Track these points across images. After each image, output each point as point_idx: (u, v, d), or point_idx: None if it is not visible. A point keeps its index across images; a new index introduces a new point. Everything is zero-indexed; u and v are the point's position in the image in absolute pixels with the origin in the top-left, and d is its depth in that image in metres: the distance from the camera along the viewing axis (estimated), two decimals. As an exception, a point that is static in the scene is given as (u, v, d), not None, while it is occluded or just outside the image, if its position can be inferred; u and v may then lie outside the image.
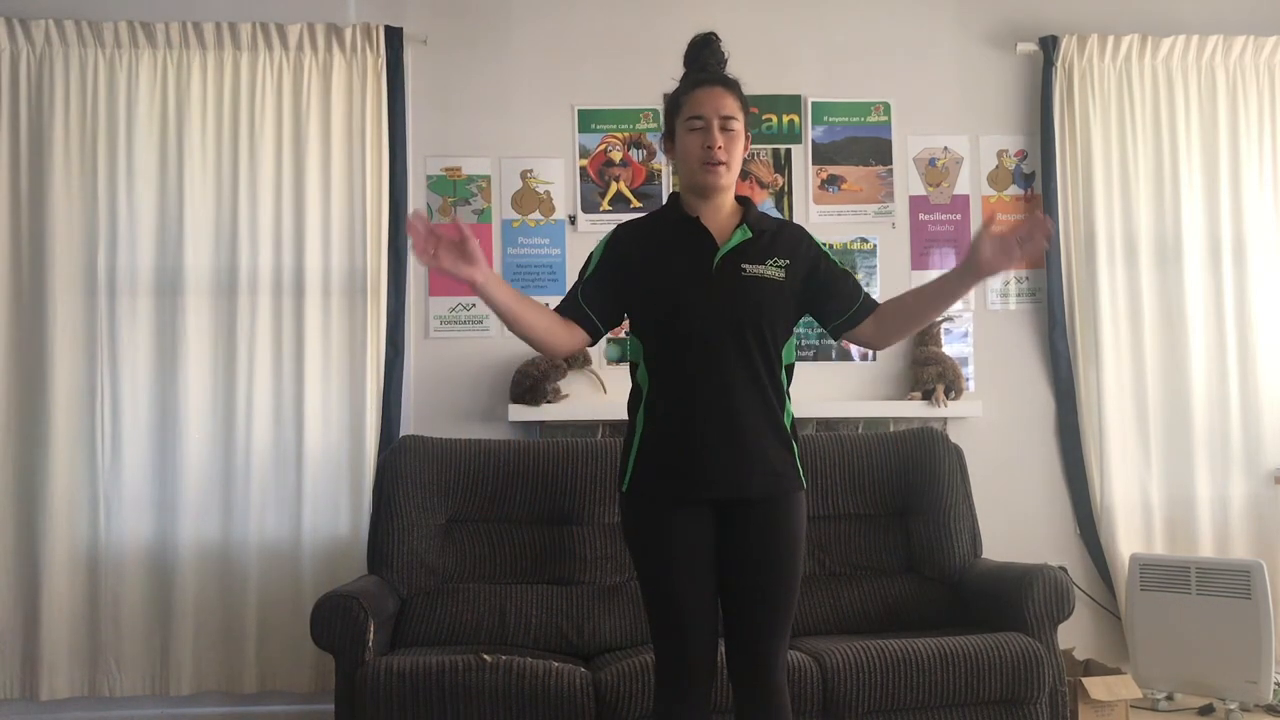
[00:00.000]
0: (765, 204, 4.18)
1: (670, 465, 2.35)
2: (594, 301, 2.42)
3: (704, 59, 2.49)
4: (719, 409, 2.33)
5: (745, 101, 2.44)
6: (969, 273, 2.33)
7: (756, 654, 2.35)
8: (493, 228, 4.12)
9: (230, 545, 3.86)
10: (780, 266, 2.40)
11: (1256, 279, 4.21)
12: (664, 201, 2.54)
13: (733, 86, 2.43)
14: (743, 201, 2.48)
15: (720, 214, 2.43)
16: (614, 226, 2.51)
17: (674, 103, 2.45)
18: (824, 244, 2.55)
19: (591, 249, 2.50)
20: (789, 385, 2.47)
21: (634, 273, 2.40)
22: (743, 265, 2.37)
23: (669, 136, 2.47)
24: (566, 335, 2.41)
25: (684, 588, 2.34)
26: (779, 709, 2.34)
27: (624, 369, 2.28)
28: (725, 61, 2.49)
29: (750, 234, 2.41)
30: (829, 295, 2.47)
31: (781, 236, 2.46)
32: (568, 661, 3.09)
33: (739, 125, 2.40)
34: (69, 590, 3.80)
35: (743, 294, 2.35)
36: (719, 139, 2.36)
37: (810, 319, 2.59)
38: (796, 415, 2.51)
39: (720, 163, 2.36)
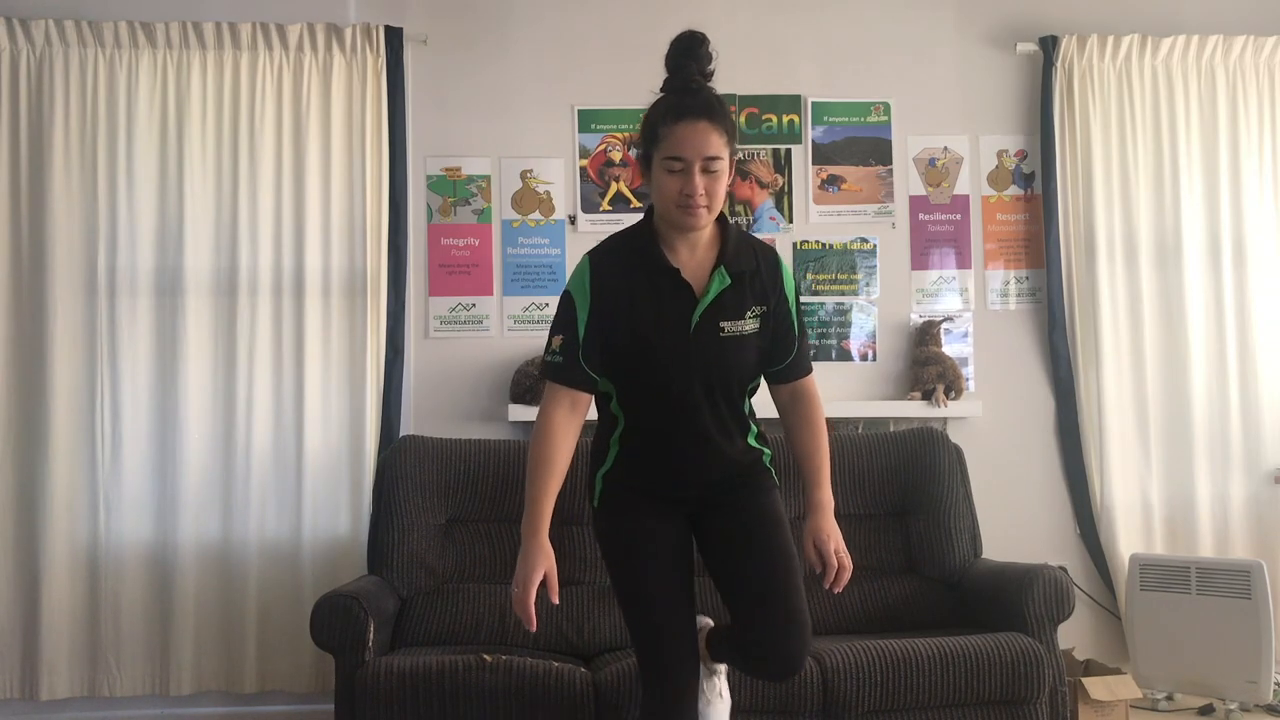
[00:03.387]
0: (765, 204, 4.18)
1: (642, 485, 2.38)
2: (593, 361, 2.27)
3: (688, 71, 2.24)
4: (691, 447, 2.34)
5: (733, 130, 2.24)
6: (806, 515, 2.40)
7: (768, 645, 2.31)
8: (493, 228, 4.12)
9: (230, 545, 3.86)
10: (756, 315, 2.31)
11: (1256, 279, 4.21)
12: (642, 223, 2.32)
13: (718, 117, 2.20)
14: (721, 222, 2.32)
15: (699, 248, 2.29)
16: (592, 257, 2.29)
17: (651, 131, 2.23)
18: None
19: (571, 283, 2.29)
20: (751, 401, 2.45)
21: (616, 318, 2.26)
22: (721, 324, 2.27)
23: (644, 161, 2.27)
24: (579, 423, 2.30)
25: (660, 590, 2.35)
26: (782, 682, 2.39)
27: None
28: (711, 71, 2.27)
29: (729, 280, 2.26)
30: (770, 344, 2.37)
31: (759, 276, 2.31)
32: (568, 661, 3.09)
33: (723, 164, 2.20)
34: (69, 590, 3.80)
35: (720, 355, 2.29)
36: (700, 184, 2.17)
37: (805, 319, 2.56)
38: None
39: (700, 207, 2.19)
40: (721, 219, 2.33)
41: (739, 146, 4.15)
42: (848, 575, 2.33)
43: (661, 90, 2.28)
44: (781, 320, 2.35)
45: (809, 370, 2.45)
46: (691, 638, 2.39)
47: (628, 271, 2.27)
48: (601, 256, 2.29)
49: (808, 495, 2.41)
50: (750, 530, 2.37)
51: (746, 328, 2.30)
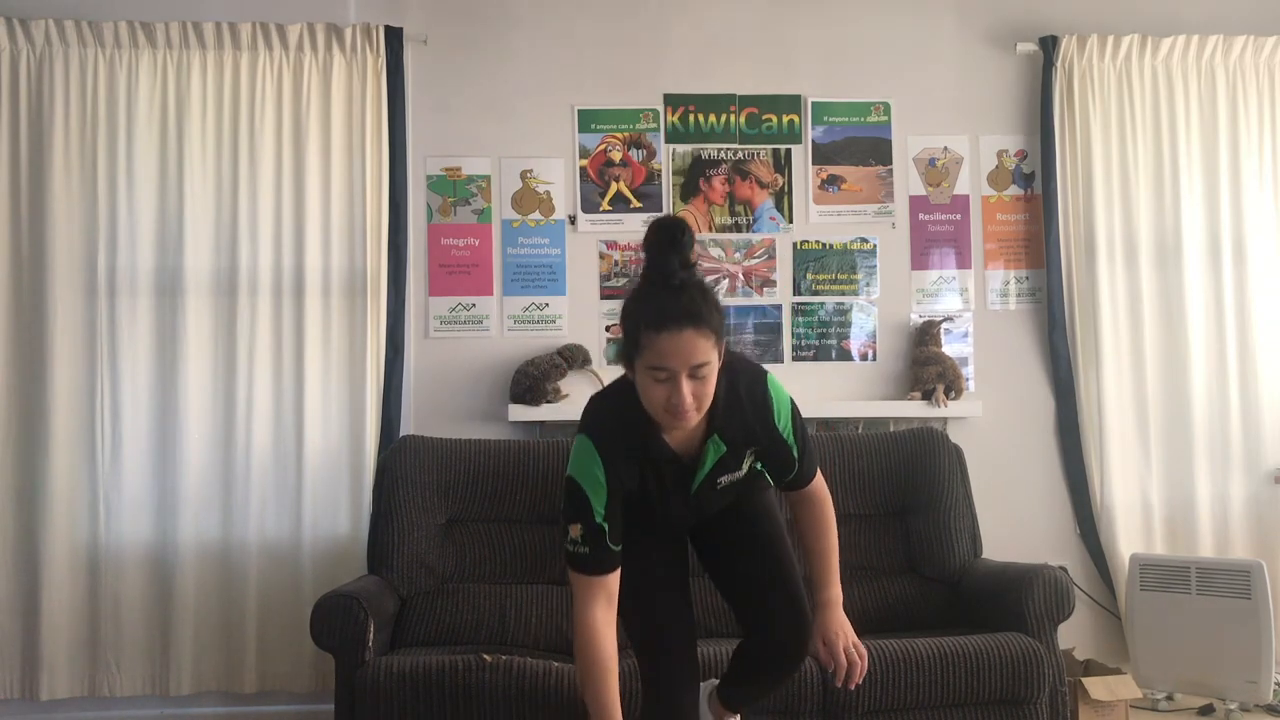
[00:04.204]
0: (765, 204, 4.18)
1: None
2: (618, 537, 2.21)
3: (669, 266, 2.07)
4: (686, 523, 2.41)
5: (719, 325, 2.09)
6: (818, 607, 2.39)
7: (779, 632, 2.34)
8: (493, 228, 4.12)
9: (230, 545, 3.86)
10: (752, 455, 2.31)
11: (1256, 279, 4.20)
12: (633, 404, 2.19)
13: (704, 320, 2.04)
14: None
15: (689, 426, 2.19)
16: (597, 443, 2.18)
17: (634, 335, 2.08)
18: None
19: (577, 470, 2.18)
20: None
21: (625, 499, 2.23)
22: (718, 480, 2.29)
23: (626, 360, 2.14)
24: (614, 612, 2.22)
25: (660, 593, 2.38)
26: (788, 674, 2.40)
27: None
28: (694, 262, 2.12)
29: (723, 446, 2.23)
30: (770, 465, 2.37)
31: (753, 428, 2.25)
32: (568, 662, 3.08)
33: (711, 367, 2.07)
34: (69, 590, 3.80)
35: (718, 500, 2.35)
36: (688, 392, 2.05)
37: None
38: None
39: (689, 412, 2.08)
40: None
41: (738, 147, 4.18)
42: (860, 670, 2.31)
43: (641, 278, 2.15)
44: (778, 450, 2.31)
45: (813, 477, 2.40)
46: (690, 639, 2.40)
47: (632, 457, 2.21)
48: (606, 444, 2.19)
49: (817, 594, 2.39)
50: (746, 529, 2.40)
51: (743, 473, 2.32)
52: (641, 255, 2.17)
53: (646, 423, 2.17)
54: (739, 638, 3.15)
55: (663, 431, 2.19)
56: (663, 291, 2.07)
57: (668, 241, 2.10)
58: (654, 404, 2.09)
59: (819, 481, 2.42)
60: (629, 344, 2.11)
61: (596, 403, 2.30)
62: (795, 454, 2.31)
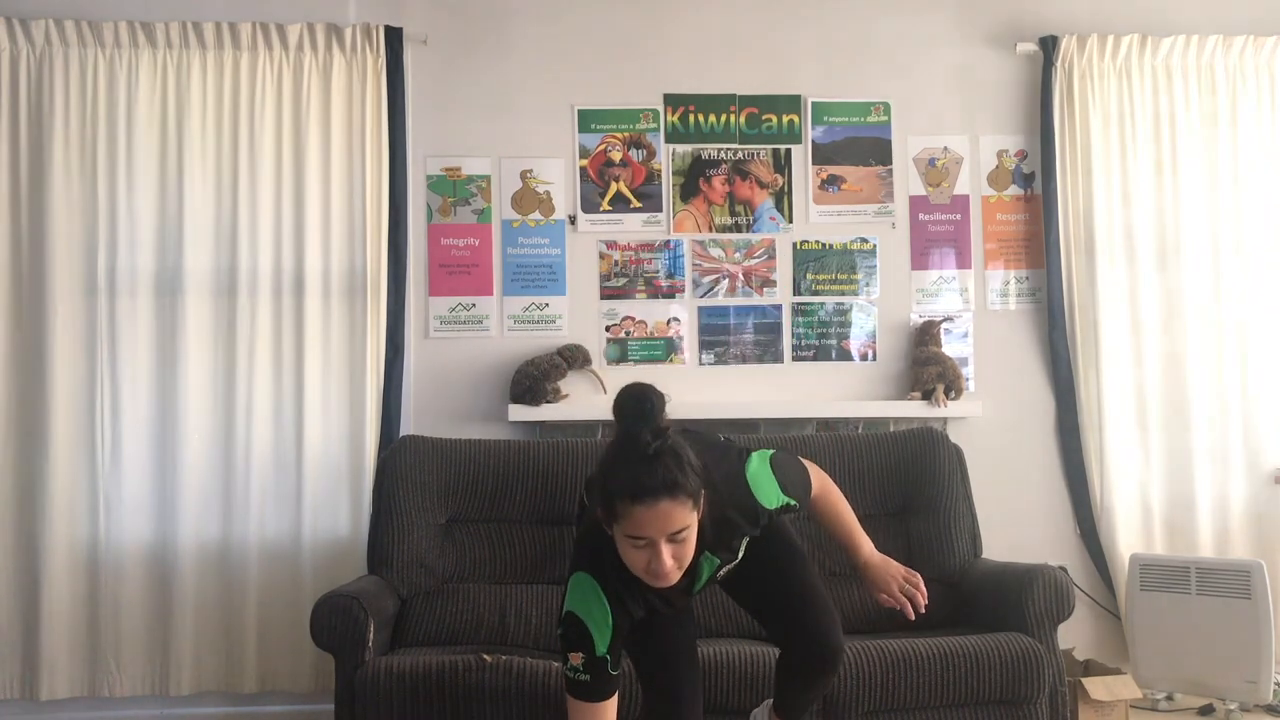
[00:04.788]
0: (765, 204, 4.18)
1: None
2: (620, 663, 2.21)
3: (640, 438, 2.04)
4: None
5: (696, 490, 2.05)
6: (861, 578, 2.47)
7: (816, 642, 2.37)
8: (493, 228, 4.12)
9: (230, 545, 3.86)
10: (745, 542, 2.33)
11: (1256, 279, 4.20)
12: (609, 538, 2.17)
13: (680, 489, 2.01)
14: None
15: None
16: (588, 582, 2.16)
17: (609, 503, 2.04)
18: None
19: (579, 605, 2.15)
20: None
21: (632, 629, 2.23)
22: (719, 574, 2.35)
23: (606, 522, 2.09)
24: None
25: (675, 654, 2.43)
26: (832, 675, 2.42)
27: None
28: (665, 430, 2.06)
29: (718, 560, 2.26)
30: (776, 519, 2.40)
31: (740, 530, 2.25)
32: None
33: (691, 530, 2.05)
34: (69, 590, 3.80)
35: (720, 580, 2.40)
36: (667, 556, 2.03)
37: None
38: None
39: (670, 575, 2.06)
40: None
41: (738, 147, 4.18)
42: (921, 595, 2.40)
43: (612, 445, 2.12)
44: (782, 516, 2.36)
45: (810, 490, 2.42)
46: (689, 639, 2.41)
47: (630, 587, 2.17)
48: (609, 584, 2.16)
49: (852, 560, 2.49)
50: (760, 555, 2.41)
51: (739, 558, 2.35)
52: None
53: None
54: (739, 637, 3.16)
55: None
56: (637, 462, 2.03)
57: (636, 412, 2.09)
58: (634, 567, 2.08)
59: (818, 478, 2.45)
60: (606, 510, 2.07)
61: (588, 543, 2.24)
62: (793, 501, 2.34)
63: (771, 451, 2.36)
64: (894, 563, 2.46)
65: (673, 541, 2.03)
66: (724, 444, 2.38)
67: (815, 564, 3.56)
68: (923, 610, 2.40)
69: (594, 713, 2.15)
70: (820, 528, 2.56)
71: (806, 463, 2.44)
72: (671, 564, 2.04)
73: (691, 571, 2.21)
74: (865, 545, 2.48)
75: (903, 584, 2.41)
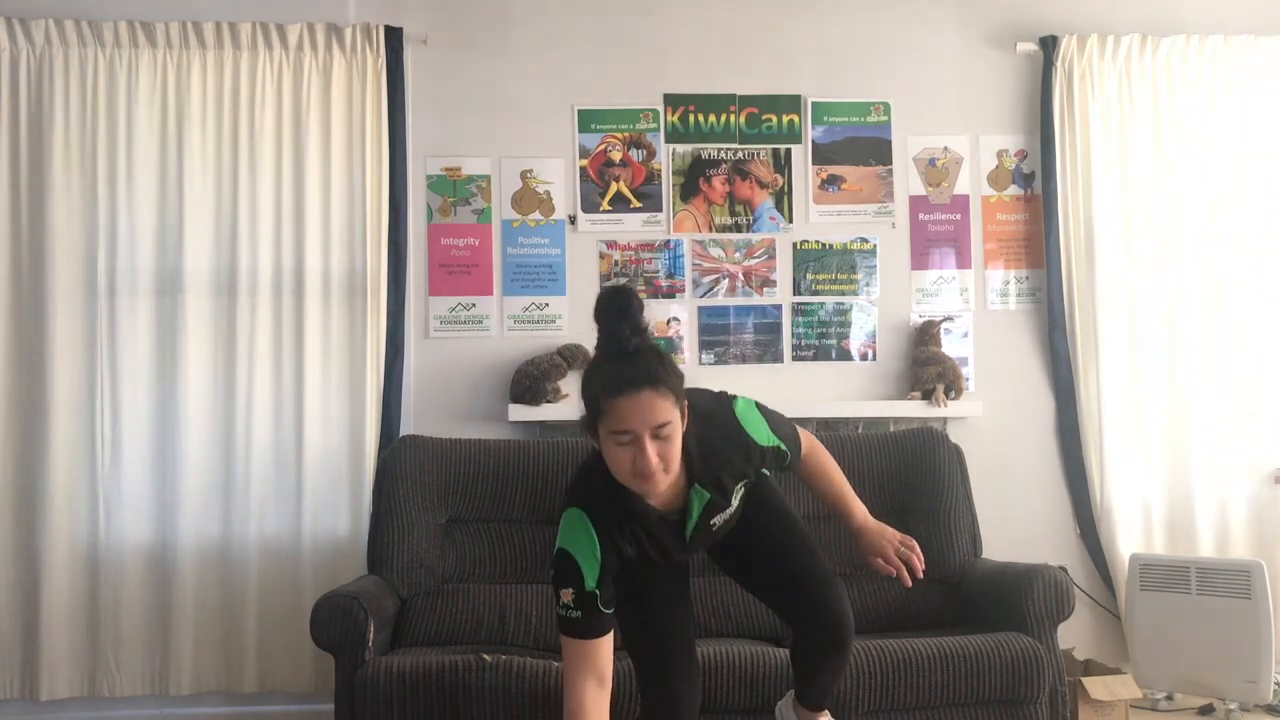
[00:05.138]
0: (765, 204, 4.18)
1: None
2: (611, 601, 2.22)
3: (622, 334, 2.10)
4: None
5: (678, 385, 2.11)
6: (855, 542, 2.46)
7: (820, 614, 2.34)
8: (493, 228, 4.12)
9: (230, 545, 3.86)
10: (741, 489, 2.34)
11: (1257, 279, 4.20)
12: (603, 469, 2.20)
13: (661, 381, 2.06)
14: (683, 447, 2.17)
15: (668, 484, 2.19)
16: (588, 522, 2.18)
17: (594, 403, 2.11)
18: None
19: (569, 541, 2.19)
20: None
21: (621, 568, 2.25)
22: (712, 522, 2.32)
23: (590, 429, 2.15)
24: (609, 692, 2.21)
25: (666, 636, 2.40)
26: (846, 651, 2.37)
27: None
28: (646, 327, 2.14)
29: (707, 494, 2.25)
30: (768, 467, 2.41)
31: (733, 466, 2.26)
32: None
33: (674, 426, 2.08)
34: (69, 590, 3.80)
35: (714, 538, 2.38)
36: (653, 454, 2.06)
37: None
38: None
39: (656, 474, 2.08)
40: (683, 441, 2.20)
41: (738, 147, 4.18)
42: (917, 557, 2.37)
43: (595, 351, 2.19)
44: (771, 461, 2.36)
45: (800, 448, 2.44)
46: (688, 637, 2.40)
47: (622, 524, 2.22)
48: (599, 516, 2.20)
49: (847, 525, 2.49)
50: (758, 532, 2.41)
51: (734, 507, 2.34)
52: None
53: (629, 491, 2.18)
54: (739, 637, 3.16)
55: (647, 497, 2.19)
56: (618, 359, 2.10)
57: (617, 311, 2.12)
58: (621, 469, 2.10)
59: (808, 440, 2.46)
60: (591, 412, 2.13)
61: (581, 478, 2.29)
62: (784, 447, 2.36)
63: (756, 400, 2.38)
64: (889, 529, 2.44)
65: (657, 438, 2.06)
66: (706, 388, 2.40)
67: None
68: (919, 575, 2.37)
69: (586, 650, 2.17)
70: (812, 491, 2.54)
71: (796, 426, 2.46)
72: (656, 461, 2.06)
73: (682, 510, 2.24)
74: (859, 509, 2.47)
75: (898, 547, 2.39)
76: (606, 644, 2.20)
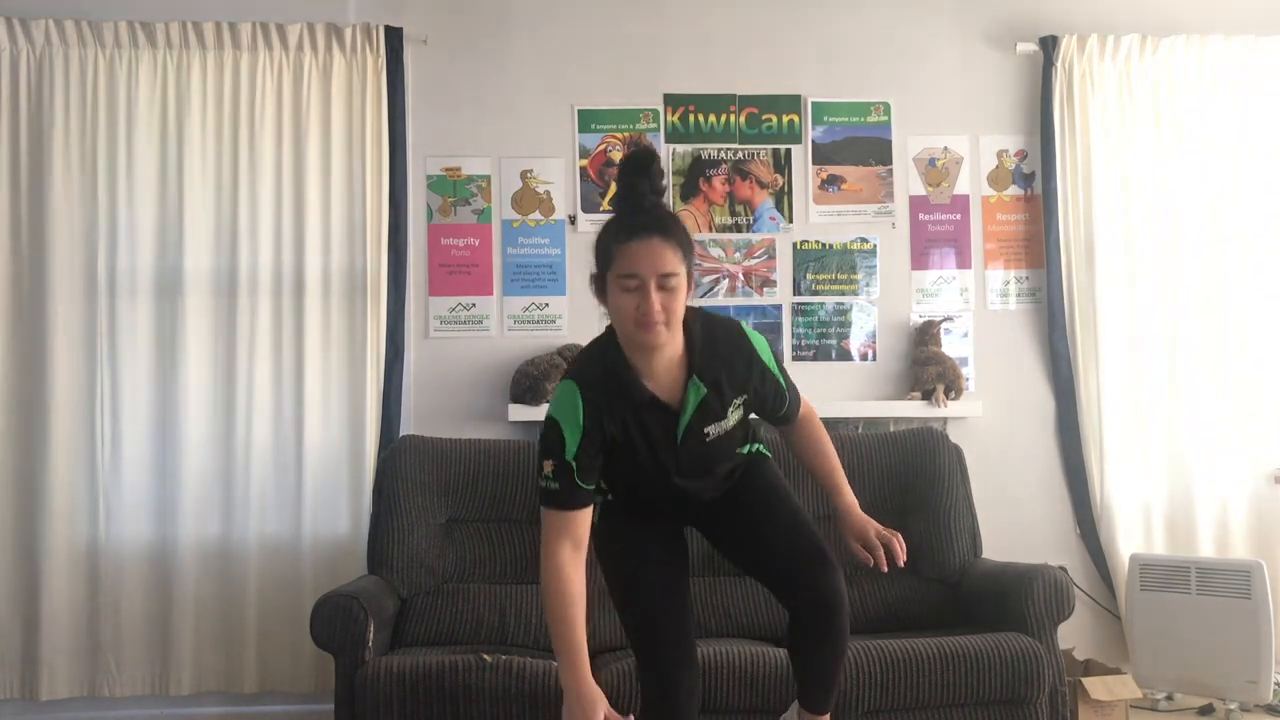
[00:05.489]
0: (765, 204, 4.18)
1: (638, 514, 2.43)
2: (590, 476, 2.25)
3: (640, 190, 2.19)
4: (682, 499, 2.41)
5: (688, 245, 2.19)
6: (838, 522, 2.45)
7: (808, 588, 2.32)
8: (493, 228, 4.12)
9: (230, 545, 3.86)
10: (739, 406, 2.33)
11: (1257, 279, 4.20)
12: (607, 343, 2.28)
13: (671, 233, 2.16)
14: (685, 331, 2.24)
15: (667, 362, 2.24)
16: (576, 384, 2.23)
17: (605, 251, 2.19)
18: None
19: (556, 410, 2.23)
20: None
21: (606, 446, 2.25)
22: (706, 430, 2.30)
23: (599, 282, 2.22)
24: (583, 557, 2.25)
25: (657, 591, 2.38)
26: (839, 637, 2.33)
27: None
28: (664, 188, 2.24)
29: (704, 389, 2.25)
30: (760, 406, 2.41)
31: (734, 371, 2.29)
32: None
33: (679, 280, 2.15)
34: (69, 590, 3.80)
35: (707, 455, 2.34)
36: (657, 301, 2.12)
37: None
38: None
39: (658, 324, 2.14)
40: (687, 327, 2.27)
41: (738, 147, 4.18)
42: (898, 543, 2.35)
43: (612, 207, 2.27)
44: (769, 390, 2.36)
45: (800, 406, 2.47)
46: (688, 636, 2.40)
47: (612, 403, 2.24)
48: (586, 384, 2.24)
49: (832, 503, 2.47)
50: (753, 504, 2.41)
51: (730, 423, 2.32)
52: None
53: (623, 364, 2.23)
54: (739, 637, 3.16)
55: (643, 378, 2.23)
56: (634, 210, 2.19)
57: (638, 168, 2.21)
58: (624, 317, 2.16)
59: (806, 405, 2.48)
60: (602, 262, 2.20)
61: (582, 355, 2.37)
62: (784, 384, 2.38)
63: None
64: (871, 520, 2.43)
65: (662, 289, 2.13)
66: None
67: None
68: (899, 561, 2.34)
69: (562, 519, 2.21)
70: (805, 463, 2.53)
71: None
72: (659, 310, 2.12)
73: (679, 404, 2.24)
74: (848, 491, 2.47)
75: (880, 532, 2.38)
76: (583, 516, 2.25)
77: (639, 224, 2.16)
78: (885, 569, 2.36)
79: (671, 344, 2.22)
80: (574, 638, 2.18)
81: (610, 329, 2.28)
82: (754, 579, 2.54)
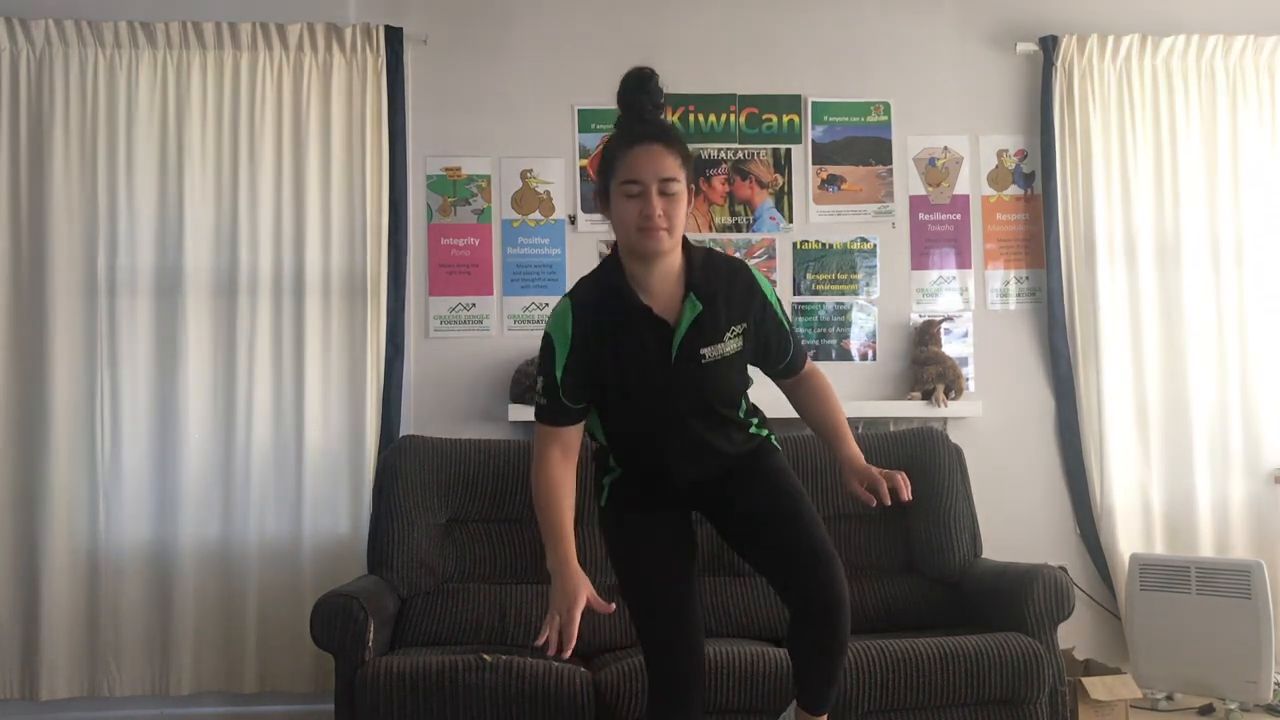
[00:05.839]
0: (765, 204, 4.18)
1: (644, 493, 2.42)
2: (574, 396, 2.29)
3: (640, 104, 2.27)
4: (686, 458, 2.38)
5: (687, 155, 2.26)
6: (842, 468, 2.44)
7: (811, 586, 2.29)
8: (493, 228, 4.12)
9: (230, 545, 3.86)
10: (738, 335, 2.32)
11: (1256, 279, 4.20)
12: (609, 263, 2.35)
13: (673, 141, 2.24)
14: (685, 252, 2.30)
15: (667, 280, 2.28)
16: (571, 300, 2.31)
17: (608, 161, 2.26)
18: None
19: (550, 325, 2.30)
20: (748, 400, 2.47)
21: (599, 360, 2.28)
22: (701, 351, 2.29)
23: (603, 194, 2.29)
24: (573, 464, 2.33)
25: (667, 595, 2.38)
26: (839, 638, 2.30)
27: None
28: (663, 104, 2.30)
29: (700, 305, 2.26)
30: (764, 351, 2.41)
31: (733, 294, 2.31)
32: (567, 661, 3.08)
33: (680, 186, 2.21)
34: (69, 590, 3.80)
35: (703, 381, 2.32)
36: (658, 206, 2.18)
37: (804, 320, 2.56)
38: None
39: (660, 229, 2.20)
40: (687, 246, 2.32)
41: (738, 147, 4.18)
42: (902, 478, 2.34)
43: (615, 126, 2.32)
44: (771, 330, 2.37)
45: (806, 359, 2.49)
46: (696, 632, 2.39)
47: (605, 314, 2.28)
48: (580, 300, 2.31)
49: (836, 452, 2.45)
50: (762, 496, 2.40)
51: (728, 349, 2.31)
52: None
53: (620, 276, 2.29)
54: (739, 637, 3.15)
55: (641, 294, 2.27)
56: (636, 120, 2.26)
57: (636, 86, 2.28)
58: (627, 224, 2.21)
59: (815, 367, 2.50)
60: (604, 173, 2.27)
61: (582, 278, 2.41)
62: (787, 327, 2.40)
63: None
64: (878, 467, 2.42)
65: (664, 195, 2.19)
66: None
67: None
68: (904, 495, 2.32)
69: (550, 433, 2.31)
70: (807, 414, 2.49)
71: None
72: (661, 215, 2.18)
73: (675, 316, 2.26)
74: (853, 442, 2.46)
75: (884, 470, 2.36)
76: (572, 430, 2.32)
77: (640, 132, 2.23)
78: (889, 503, 2.33)
79: (671, 257, 2.27)
80: (560, 523, 2.26)
81: (613, 252, 2.32)
82: (758, 573, 2.53)
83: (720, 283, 2.31)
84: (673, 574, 2.40)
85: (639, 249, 2.23)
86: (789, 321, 2.43)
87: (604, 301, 2.29)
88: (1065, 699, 3.17)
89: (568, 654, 2.15)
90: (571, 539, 2.26)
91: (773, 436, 2.50)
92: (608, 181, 2.26)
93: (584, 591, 2.18)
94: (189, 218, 3.92)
